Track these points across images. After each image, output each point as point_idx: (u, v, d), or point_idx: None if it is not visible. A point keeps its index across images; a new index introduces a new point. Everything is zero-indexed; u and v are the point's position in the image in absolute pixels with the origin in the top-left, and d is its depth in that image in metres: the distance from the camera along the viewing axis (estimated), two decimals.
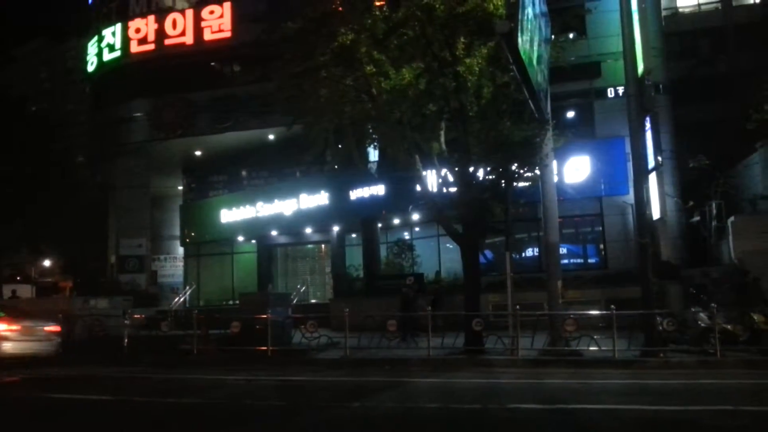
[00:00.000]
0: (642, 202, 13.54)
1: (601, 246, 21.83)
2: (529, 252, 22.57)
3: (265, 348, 14.47)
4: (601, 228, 21.73)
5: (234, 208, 27.95)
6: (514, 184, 14.69)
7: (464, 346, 13.53)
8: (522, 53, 9.77)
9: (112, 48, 29.47)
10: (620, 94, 20.19)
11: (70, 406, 9.03)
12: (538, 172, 14.28)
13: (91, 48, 30.85)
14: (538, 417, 7.63)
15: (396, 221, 25.37)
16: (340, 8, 14.03)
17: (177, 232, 31.95)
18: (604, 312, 13.95)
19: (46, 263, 45.43)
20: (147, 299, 26.60)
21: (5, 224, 24.10)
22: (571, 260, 21.87)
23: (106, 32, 29.75)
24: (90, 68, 31.25)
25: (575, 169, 20.81)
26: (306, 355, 14.68)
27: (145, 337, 16.71)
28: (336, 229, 26.15)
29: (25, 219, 24.65)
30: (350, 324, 14.20)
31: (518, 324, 13.25)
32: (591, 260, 22.13)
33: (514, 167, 14.22)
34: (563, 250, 19.46)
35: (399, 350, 13.51)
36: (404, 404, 8.62)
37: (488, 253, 21.61)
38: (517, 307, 13.57)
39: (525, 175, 14.62)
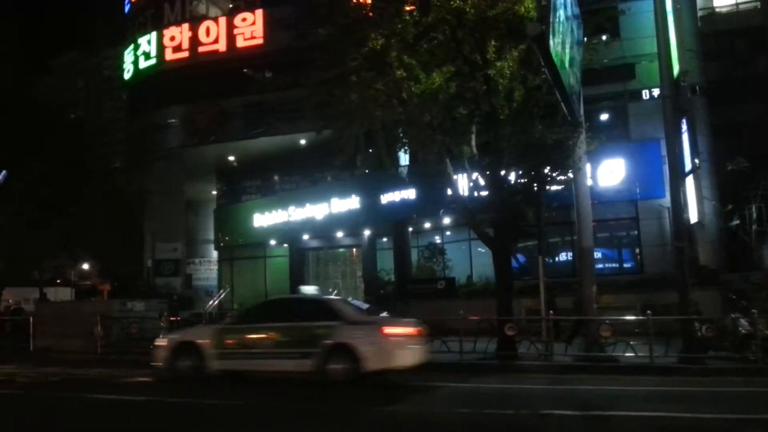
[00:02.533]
0: (679, 206, 13.27)
1: (637, 250, 21.43)
2: (563, 256, 22.29)
3: None
4: (636, 232, 21.34)
5: (266, 213, 28.25)
6: (547, 187, 14.54)
7: (496, 351, 13.42)
8: (554, 56, 9.68)
9: (147, 56, 30.14)
10: (655, 96, 19.78)
11: (108, 405, 9.21)
12: (571, 175, 14.10)
13: (128, 56, 31.60)
14: (571, 423, 7.52)
15: (427, 225, 25.30)
16: (371, 14, 14.10)
17: (211, 236, 32.44)
18: (641, 317, 13.70)
19: (85, 267, 46.53)
20: (182, 302, 27.04)
21: (44, 229, 24.75)
22: (606, 265, 21.53)
23: (142, 40, 30.44)
24: (126, 76, 32.02)
25: (609, 172, 20.50)
26: None
27: None
28: (367, 233, 26.21)
29: (63, 224, 25.29)
30: None
31: (552, 329, 13.08)
32: (626, 265, 21.74)
33: (546, 170, 14.07)
34: (598, 255, 19.18)
35: (431, 354, 13.44)
36: (435, 408, 8.59)
37: (521, 257, 21.41)
38: (551, 312, 13.40)
39: (558, 178, 14.45)
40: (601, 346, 12.81)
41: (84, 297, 36.13)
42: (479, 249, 21.42)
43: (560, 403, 8.79)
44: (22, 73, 28.33)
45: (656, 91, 19.39)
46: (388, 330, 10.63)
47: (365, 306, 13.29)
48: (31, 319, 18.78)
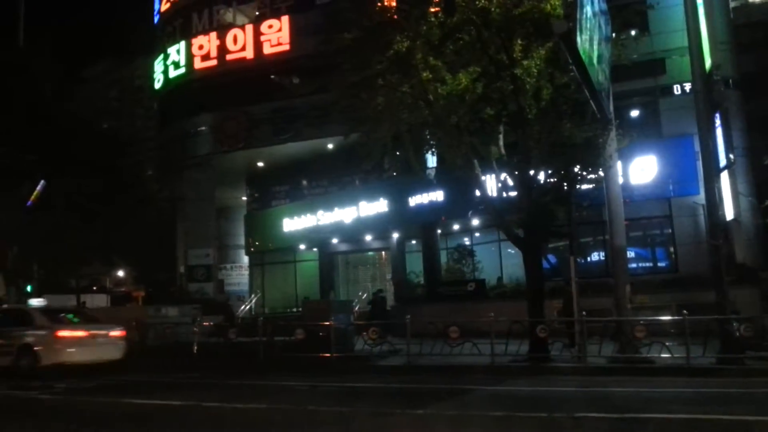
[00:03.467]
0: (714, 203, 12.98)
1: (671, 249, 21.02)
2: (595, 256, 21.98)
3: (328, 354, 14.62)
4: (670, 230, 20.95)
5: (295, 217, 28.44)
6: (577, 186, 14.35)
7: (528, 354, 13.28)
8: (581, 53, 9.55)
9: (177, 65, 30.62)
10: (687, 91, 19.43)
11: (142, 410, 9.37)
12: (601, 173, 13.90)
13: (158, 66, 32.16)
14: (607, 426, 7.40)
15: (456, 227, 25.19)
16: (395, 16, 14.11)
17: (242, 241, 32.77)
18: (676, 317, 13.42)
19: (120, 274, 47.42)
20: (215, 307, 27.39)
21: (80, 237, 25.30)
22: (640, 264, 21.17)
23: (171, 50, 30.95)
24: (157, 85, 32.57)
25: (641, 169, 20.15)
26: (368, 361, 14.75)
27: (213, 344, 17.18)
28: (396, 235, 26.20)
29: (99, 231, 25.84)
30: (412, 330, 14.19)
31: (585, 330, 12.91)
32: (660, 264, 21.34)
33: (576, 169, 13.88)
34: (631, 254, 18.85)
35: (462, 357, 13.38)
36: (467, 411, 8.53)
37: (552, 258, 21.13)
38: (584, 313, 13.22)
39: (588, 177, 14.24)
40: (636, 347, 12.58)
41: (119, 303, 36.81)
42: (509, 250, 21.24)
43: (595, 406, 8.65)
44: (58, 84, 29.01)
45: (688, 86, 19.06)
46: (60, 333, 13.49)
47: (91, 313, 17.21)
48: None
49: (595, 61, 10.99)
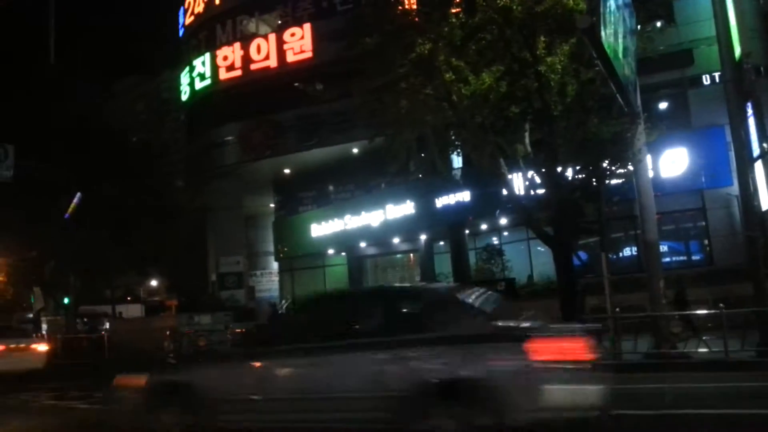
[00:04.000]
0: (748, 193, 12.71)
1: (706, 241, 20.61)
2: (627, 251, 21.66)
3: None
4: (704, 222, 20.54)
5: (323, 222, 28.60)
6: (606, 181, 14.19)
7: None
8: (606, 47, 9.48)
9: (202, 77, 31.08)
10: (717, 81, 19.06)
11: None
12: (631, 167, 13.72)
13: (184, 78, 32.68)
14: (644, 423, 7.30)
15: (483, 227, 25.06)
16: (416, 19, 14.14)
17: (271, 248, 33.06)
18: (713, 311, 13.18)
19: (153, 283, 48.27)
20: (246, 314, 27.70)
21: (115, 248, 25.83)
22: (673, 258, 20.79)
23: (197, 62, 31.43)
24: (184, 97, 33.10)
25: (672, 162, 19.79)
26: None
27: None
28: (423, 237, 26.17)
29: (132, 242, 26.36)
30: None
31: (619, 327, 12.73)
32: (695, 257, 20.94)
33: (604, 164, 13.74)
34: (664, 248, 18.56)
35: None
36: None
37: (582, 255, 20.88)
38: (617, 309, 13.05)
39: (617, 171, 14.08)
40: (672, 343, 12.38)
41: (153, 313, 37.44)
42: (539, 248, 21.07)
43: (632, 403, 8.52)
44: (89, 98, 29.76)
45: (717, 76, 18.67)
46: None
47: None
48: (106, 336, 19.61)
49: (620, 54, 10.88)
